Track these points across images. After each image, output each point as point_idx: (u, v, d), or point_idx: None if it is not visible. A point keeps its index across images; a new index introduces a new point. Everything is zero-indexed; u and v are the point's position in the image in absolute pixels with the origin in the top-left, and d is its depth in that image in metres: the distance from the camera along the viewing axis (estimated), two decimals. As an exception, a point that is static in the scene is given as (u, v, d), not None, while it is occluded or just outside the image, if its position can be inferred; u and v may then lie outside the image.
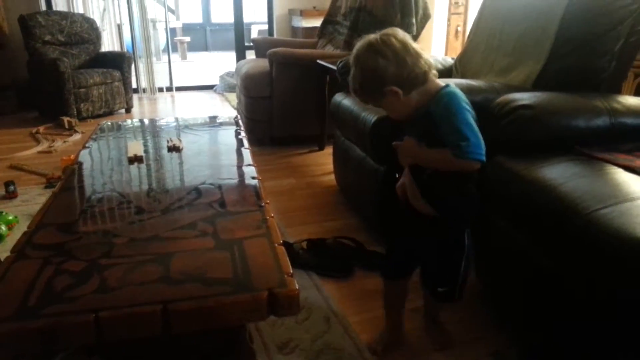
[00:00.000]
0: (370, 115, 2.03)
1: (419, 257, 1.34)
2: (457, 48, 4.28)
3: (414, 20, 3.45)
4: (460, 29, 4.36)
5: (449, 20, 4.48)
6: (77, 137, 3.75)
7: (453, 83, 1.86)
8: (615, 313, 1.01)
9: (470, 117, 1.11)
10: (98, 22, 4.90)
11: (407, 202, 1.26)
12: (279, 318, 1.49)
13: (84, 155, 1.59)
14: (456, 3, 4.42)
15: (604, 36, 1.78)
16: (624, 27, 1.76)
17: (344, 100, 2.40)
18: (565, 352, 1.19)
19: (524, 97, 1.54)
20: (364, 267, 1.85)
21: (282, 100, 3.35)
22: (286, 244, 1.95)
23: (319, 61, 3.12)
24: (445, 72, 2.57)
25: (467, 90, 1.80)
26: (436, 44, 4.52)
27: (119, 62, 4.58)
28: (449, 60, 2.71)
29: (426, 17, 3.52)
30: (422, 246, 1.30)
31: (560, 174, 1.25)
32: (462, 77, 2.41)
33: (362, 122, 2.06)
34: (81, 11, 4.99)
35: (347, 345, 1.42)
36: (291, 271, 0.89)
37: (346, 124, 2.33)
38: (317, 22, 4.39)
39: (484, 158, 1.10)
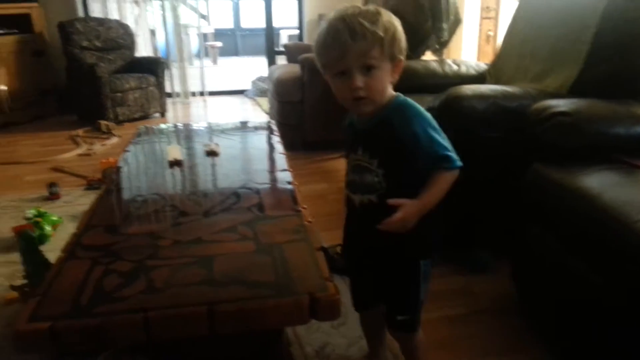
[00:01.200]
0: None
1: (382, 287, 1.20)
2: (489, 53, 4.25)
3: (445, 26, 3.44)
4: (491, 33, 4.32)
5: (480, 25, 4.45)
6: (114, 140, 3.86)
7: (488, 89, 1.88)
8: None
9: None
10: (132, 28, 5.02)
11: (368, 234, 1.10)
12: (316, 323, 1.52)
13: (125, 159, 1.64)
14: (487, 8, 4.39)
15: (646, 41, 1.76)
16: (665, 30, 1.73)
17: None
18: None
19: (560, 104, 1.53)
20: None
21: (314, 104, 3.38)
22: (321, 249, 1.98)
23: (350, 66, 3.13)
24: (479, 78, 2.56)
25: (502, 97, 1.81)
26: (467, 49, 4.49)
27: (154, 67, 4.68)
28: (482, 66, 2.70)
29: (457, 22, 3.50)
30: (381, 275, 1.17)
31: (600, 183, 1.23)
32: (496, 83, 2.40)
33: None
34: (116, 17, 5.12)
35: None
36: (330, 276, 0.91)
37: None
38: (348, 28, 4.40)
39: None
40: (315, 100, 3.36)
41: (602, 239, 1.11)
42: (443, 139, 1.02)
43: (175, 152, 1.62)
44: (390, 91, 1.06)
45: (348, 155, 1.13)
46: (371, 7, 1.00)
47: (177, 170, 1.51)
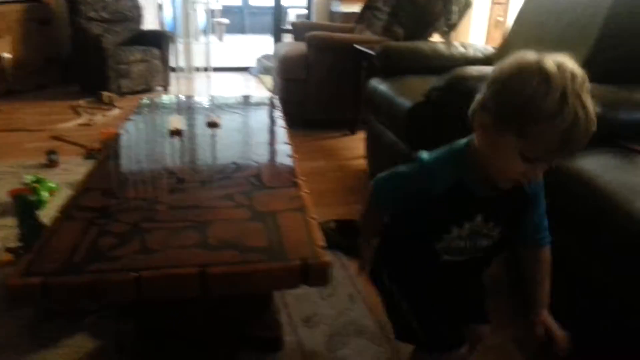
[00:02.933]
0: (406, 100, 2.03)
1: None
2: (497, 38, 4.20)
3: (455, 8, 3.41)
4: (501, 19, 4.27)
5: (490, 10, 4.40)
6: (115, 112, 3.85)
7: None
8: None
9: None
10: (140, 1, 4.98)
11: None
12: (305, 293, 1.53)
13: (126, 127, 1.64)
14: (499, -7, 4.34)
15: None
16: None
17: (380, 85, 2.40)
18: (591, 346, 1.18)
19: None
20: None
21: (317, 83, 3.37)
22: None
23: (356, 45, 3.11)
24: (486, 62, 2.54)
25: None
26: (475, 33, 4.45)
27: (159, 40, 4.65)
28: (490, 50, 2.67)
29: (467, 5, 3.47)
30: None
31: (599, 166, 1.23)
32: (502, 66, 2.38)
33: (398, 107, 2.06)
34: (124, -11, 5.06)
35: (369, 323, 1.45)
36: (323, 244, 0.91)
37: (381, 109, 2.33)
38: (355, 8, 4.37)
39: None
40: (320, 79, 3.35)
41: (598, 221, 1.11)
42: None
43: (176, 121, 1.62)
44: None
45: (448, 225, 0.91)
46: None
47: (177, 139, 1.51)
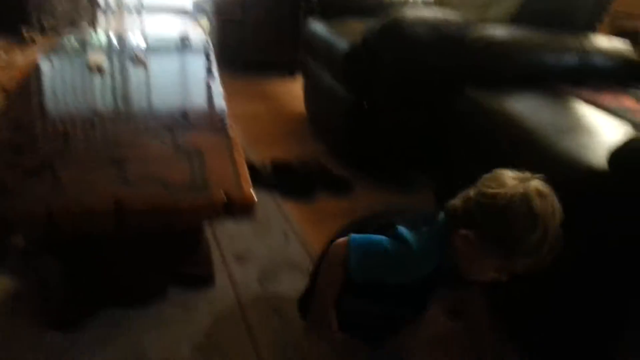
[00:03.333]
0: (344, 43, 1.98)
1: None
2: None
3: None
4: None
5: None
6: (36, 51, 3.58)
7: (430, 15, 1.85)
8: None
9: None
10: None
11: None
12: (238, 231, 1.51)
13: (43, 63, 1.53)
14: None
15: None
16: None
17: (317, 26, 2.33)
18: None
19: (498, 33, 1.54)
20: (327, 190, 1.86)
21: (255, 24, 3.26)
22: (249, 163, 1.95)
23: (295, -15, 3.01)
24: (425, 3, 2.52)
25: (444, 24, 1.79)
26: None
27: (85, -25, 4.32)
28: (429, -7, 2.65)
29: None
30: None
31: (525, 106, 1.26)
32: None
33: (335, 50, 2.02)
34: None
35: (302, 259, 1.46)
36: (249, 179, 0.89)
37: (318, 51, 2.28)
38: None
39: None
40: (257, 19, 3.24)
41: (519, 158, 1.13)
42: None
43: (97, 58, 1.52)
44: None
45: (424, 299, 1.00)
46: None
47: (99, 76, 1.42)
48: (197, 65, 1.74)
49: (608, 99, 1.33)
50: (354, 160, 2.03)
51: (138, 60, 1.55)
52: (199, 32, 4.50)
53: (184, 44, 1.99)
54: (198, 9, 5.39)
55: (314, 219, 1.70)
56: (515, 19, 1.91)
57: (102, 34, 2.49)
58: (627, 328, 0.96)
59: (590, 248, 0.96)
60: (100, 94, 1.33)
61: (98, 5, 4.53)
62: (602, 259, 0.95)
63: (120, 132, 1.08)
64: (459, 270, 0.90)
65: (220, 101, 1.30)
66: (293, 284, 1.34)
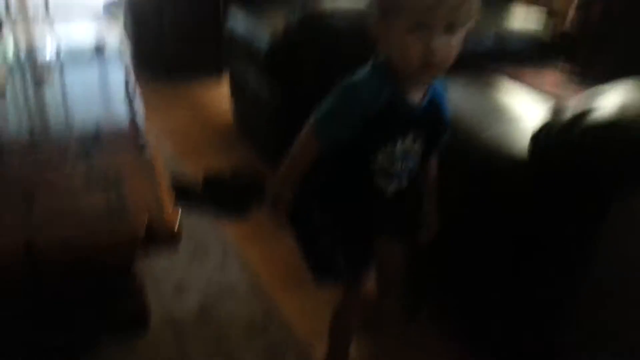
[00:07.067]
0: (265, 37, 1.91)
1: None
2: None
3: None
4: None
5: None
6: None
7: (349, 6, 1.83)
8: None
9: None
10: None
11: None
12: (172, 262, 1.44)
13: None
14: None
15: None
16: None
17: (238, 18, 2.24)
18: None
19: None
20: (262, 204, 1.81)
21: (174, 25, 3.11)
22: (179, 182, 1.88)
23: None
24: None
25: (365, 15, 1.77)
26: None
27: (-19, -17, 4.01)
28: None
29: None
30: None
31: (463, 92, 1.27)
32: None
33: (257, 45, 1.95)
34: None
35: (243, 282, 1.42)
36: (172, 205, 0.84)
37: (240, 47, 2.20)
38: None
39: None
40: (175, 15, 3.09)
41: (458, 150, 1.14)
42: None
43: (-3, 78, 1.40)
44: None
45: (384, 142, 0.92)
46: None
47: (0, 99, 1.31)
48: (111, 77, 1.63)
49: (530, 74, 1.36)
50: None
51: (40, 79, 1.45)
52: (112, 37, 4.29)
53: (96, 53, 1.87)
54: (110, 10, 5.15)
55: (253, 234, 1.66)
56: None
57: (4, 47, 2.32)
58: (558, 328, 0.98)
59: (518, 246, 0.99)
60: (2, 120, 1.22)
61: (-1, 15, 4.23)
62: (530, 257, 0.97)
63: (27, 162, 0.99)
64: (404, 91, 0.90)
65: (138, 116, 1.23)
66: (236, 309, 1.30)
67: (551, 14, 1.74)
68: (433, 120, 0.94)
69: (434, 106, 0.94)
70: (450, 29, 0.81)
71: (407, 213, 1.07)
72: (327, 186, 1.02)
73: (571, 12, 1.63)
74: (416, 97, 0.91)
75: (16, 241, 0.74)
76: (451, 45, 0.83)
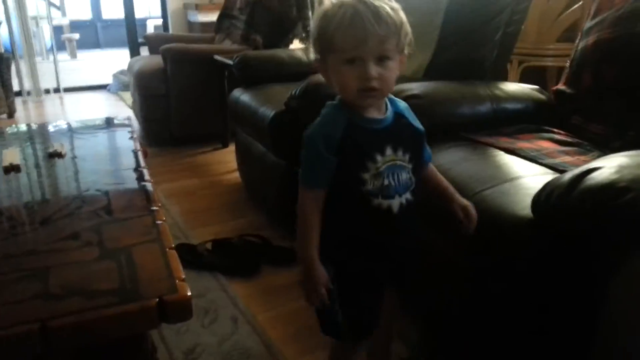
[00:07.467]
0: (268, 110, 2.01)
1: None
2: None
3: (310, 14, 3.47)
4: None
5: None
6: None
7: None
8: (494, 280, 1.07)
9: None
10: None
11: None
12: (184, 324, 1.45)
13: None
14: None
15: (485, 26, 1.90)
16: (502, 17, 1.88)
17: (242, 95, 2.36)
18: (454, 328, 1.25)
19: (413, 87, 1.60)
20: (271, 263, 1.83)
21: (180, 97, 3.24)
22: (189, 246, 1.90)
23: (215, 57, 3.04)
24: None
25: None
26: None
27: (-4, 63, 4.20)
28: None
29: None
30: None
31: (447, 159, 1.30)
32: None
33: (261, 117, 2.04)
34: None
35: (254, 344, 1.40)
36: (183, 276, 0.85)
37: (245, 120, 2.30)
38: (213, 17, 4.28)
39: None
40: (181, 92, 3.23)
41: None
42: None
43: (11, 155, 1.44)
44: None
45: (363, 162, 0.94)
46: None
47: (13, 176, 1.35)
48: (119, 148, 1.69)
49: (524, 144, 1.40)
50: (293, 228, 2.01)
51: (53, 152, 1.49)
52: (126, 110, 4.44)
53: (104, 125, 1.94)
54: (119, 84, 5.34)
55: (262, 296, 1.67)
56: (427, 73, 2.02)
57: (19, 125, 2.40)
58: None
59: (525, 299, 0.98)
60: (16, 196, 1.26)
61: (13, 92, 4.39)
62: (538, 309, 0.97)
63: (39, 238, 1.01)
64: (360, 114, 0.95)
65: (146, 185, 1.26)
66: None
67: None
68: (404, 128, 0.99)
69: (400, 117, 1.00)
70: (381, 59, 0.89)
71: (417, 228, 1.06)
72: (331, 232, 1.00)
73: (565, 73, 1.71)
74: (376, 114, 0.97)
75: (32, 324, 0.74)
76: (385, 72, 0.90)
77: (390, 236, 1.00)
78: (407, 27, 0.93)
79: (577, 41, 1.69)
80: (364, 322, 1.05)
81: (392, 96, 1.01)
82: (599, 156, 1.17)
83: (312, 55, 0.99)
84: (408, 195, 0.99)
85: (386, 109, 0.98)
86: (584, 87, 1.59)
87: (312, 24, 0.95)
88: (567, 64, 1.72)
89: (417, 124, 1.03)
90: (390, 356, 1.27)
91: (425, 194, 1.05)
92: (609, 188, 0.81)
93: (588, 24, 1.64)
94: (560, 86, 1.71)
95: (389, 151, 0.95)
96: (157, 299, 0.78)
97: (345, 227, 1.00)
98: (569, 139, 1.47)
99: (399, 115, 0.99)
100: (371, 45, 0.88)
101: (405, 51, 0.94)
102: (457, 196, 1.06)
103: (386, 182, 0.95)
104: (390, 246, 1.02)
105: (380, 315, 1.06)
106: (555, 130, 1.54)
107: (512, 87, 1.77)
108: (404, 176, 0.98)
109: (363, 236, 0.99)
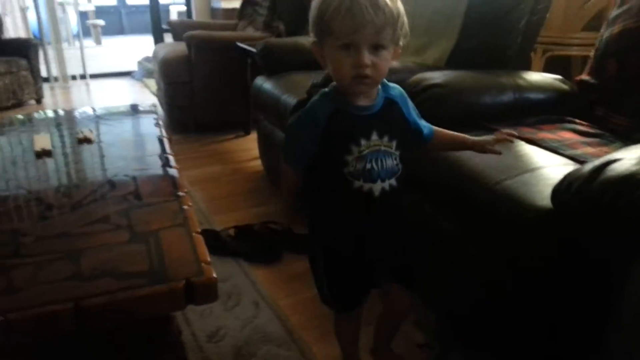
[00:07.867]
0: (290, 98, 2.03)
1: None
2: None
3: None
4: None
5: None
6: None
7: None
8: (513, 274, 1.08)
9: None
10: (-1, 7, 4.56)
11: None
12: (208, 307, 1.49)
13: (-14, 151, 1.49)
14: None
15: (509, 14, 1.87)
16: (526, 5, 1.85)
17: (264, 83, 2.38)
18: (471, 317, 1.26)
19: (434, 76, 1.60)
20: (292, 250, 1.86)
21: (204, 84, 3.28)
22: (213, 232, 1.94)
23: (238, 44, 3.07)
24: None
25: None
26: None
27: (25, 49, 4.28)
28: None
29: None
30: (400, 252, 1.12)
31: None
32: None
33: (283, 105, 2.06)
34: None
35: (276, 328, 1.44)
36: (209, 259, 0.89)
37: (268, 108, 2.32)
38: (236, 3, 4.30)
39: None
40: (205, 80, 3.26)
41: (468, 201, 1.18)
42: None
43: (43, 141, 1.49)
44: None
45: (347, 145, 0.98)
46: None
47: (45, 160, 1.40)
48: (144, 134, 1.73)
49: (546, 134, 1.39)
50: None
51: (84, 138, 1.54)
52: (150, 96, 4.50)
53: (131, 112, 1.99)
54: (144, 70, 5.41)
55: (284, 282, 1.70)
56: (449, 62, 2.00)
57: (47, 110, 2.46)
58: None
59: (543, 289, 0.99)
60: (47, 181, 1.30)
61: (41, 78, 4.48)
62: (556, 301, 0.98)
63: (71, 221, 1.05)
64: (351, 101, 0.98)
65: (171, 170, 1.30)
66: (270, 357, 1.32)
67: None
68: (392, 116, 1.02)
69: (391, 104, 1.02)
70: (376, 48, 0.91)
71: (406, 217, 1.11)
72: (313, 202, 1.10)
73: (589, 63, 1.69)
74: (366, 101, 0.99)
75: (66, 299, 0.78)
76: (379, 61, 0.92)
77: (373, 221, 1.04)
78: (404, 19, 0.94)
79: (602, 30, 1.67)
80: (345, 298, 1.13)
81: (386, 81, 1.03)
82: (621, 147, 1.16)
83: (310, 38, 1.00)
84: (393, 182, 1.02)
85: (377, 95, 1.00)
86: (608, 77, 1.58)
87: (312, 6, 0.95)
88: (592, 54, 1.70)
89: (409, 110, 1.05)
90: (391, 352, 1.31)
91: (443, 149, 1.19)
92: (630, 179, 0.81)
93: (614, 12, 1.62)
94: (584, 76, 1.69)
95: (374, 136, 0.99)
96: (185, 281, 0.82)
97: (329, 206, 1.06)
98: (591, 130, 1.46)
99: (390, 101, 1.02)
100: (367, 33, 0.89)
101: (401, 43, 0.96)
102: (470, 138, 1.13)
103: (368, 166, 0.99)
104: (376, 233, 1.06)
105: (367, 295, 1.14)
106: (578, 121, 1.53)
107: (535, 76, 1.76)
108: (389, 162, 1.01)
109: (346, 218, 1.04)
